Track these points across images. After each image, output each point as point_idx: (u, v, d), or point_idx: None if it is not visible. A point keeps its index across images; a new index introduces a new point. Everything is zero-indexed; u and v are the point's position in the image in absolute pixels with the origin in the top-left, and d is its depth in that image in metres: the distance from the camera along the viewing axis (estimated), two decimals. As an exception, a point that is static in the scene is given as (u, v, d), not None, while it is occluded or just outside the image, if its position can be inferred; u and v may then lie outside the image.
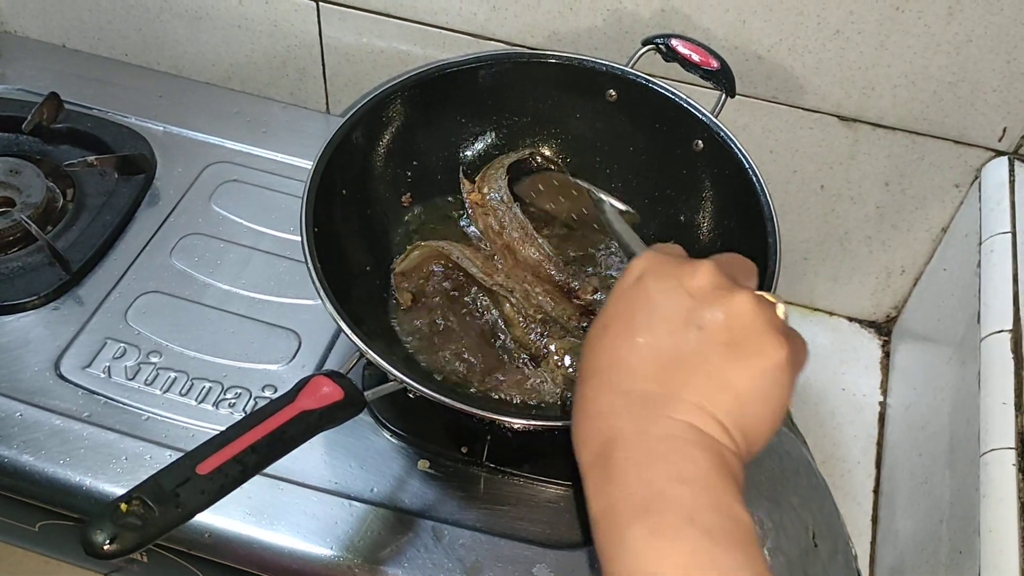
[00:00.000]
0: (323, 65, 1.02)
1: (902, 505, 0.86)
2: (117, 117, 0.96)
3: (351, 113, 0.75)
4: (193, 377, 0.77)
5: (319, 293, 0.64)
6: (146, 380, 0.76)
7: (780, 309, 0.47)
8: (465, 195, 0.82)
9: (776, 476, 0.77)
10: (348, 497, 0.71)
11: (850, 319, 1.08)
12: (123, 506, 0.50)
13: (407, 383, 0.61)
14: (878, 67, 0.84)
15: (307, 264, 0.66)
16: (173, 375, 0.77)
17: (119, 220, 0.86)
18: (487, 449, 0.73)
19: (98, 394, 0.75)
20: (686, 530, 0.40)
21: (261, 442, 0.55)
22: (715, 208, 0.79)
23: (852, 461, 0.96)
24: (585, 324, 0.76)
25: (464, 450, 0.74)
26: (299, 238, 0.68)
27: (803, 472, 0.81)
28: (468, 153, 0.84)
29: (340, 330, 0.63)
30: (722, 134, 0.76)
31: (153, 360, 0.78)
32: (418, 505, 0.71)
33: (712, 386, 0.44)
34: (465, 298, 0.78)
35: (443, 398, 0.61)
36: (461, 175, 0.83)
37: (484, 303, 0.77)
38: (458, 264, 0.77)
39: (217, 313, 0.81)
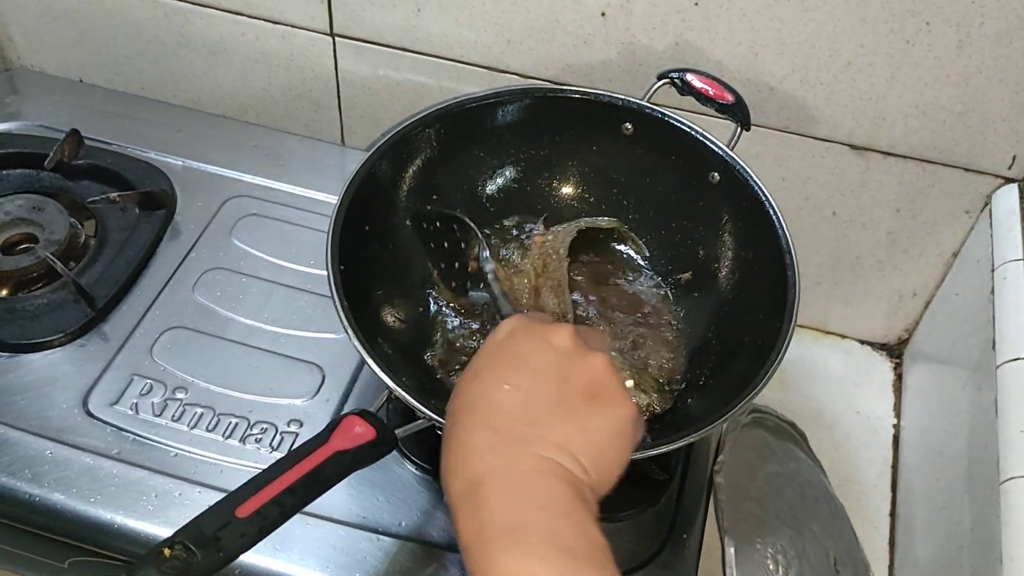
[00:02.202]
0: (339, 98, 1.03)
1: (921, 530, 0.86)
2: (136, 152, 0.97)
3: (374, 149, 0.76)
4: (219, 413, 0.78)
5: (348, 333, 0.65)
6: (173, 416, 0.77)
7: (628, 382, 0.56)
8: (535, 233, 0.84)
9: (797, 504, 0.78)
10: (375, 531, 0.72)
11: (862, 342, 1.10)
12: (166, 551, 0.51)
13: (437, 420, 0.62)
14: (889, 98, 0.85)
15: (335, 303, 0.67)
16: (200, 411, 0.78)
17: (142, 256, 0.87)
18: (512, 482, 0.74)
19: (126, 431, 0.76)
20: (551, 552, 0.45)
21: (298, 484, 0.56)
22: (733, 240, 0.80)
23: (868, 485, 0.97)
24: None
25: (489, 482, 0.75)
26: (320, 272, 0.69)
27: (822, 499, 0.82)
28: (488, 188, 0.85)
29: (364, 363, 0.64)
30: (738, 167, 0.77)
31: (179, 396, 0.78)
32: (446, 538, 0.72)
33: (574, 429, 0.50)
34: (476, 323, 0.79)
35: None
36: (542, 221, 0.85)
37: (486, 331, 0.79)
38: None
39: (241, 348, 0.82)
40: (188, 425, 0.77)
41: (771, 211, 0.75)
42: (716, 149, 0.79)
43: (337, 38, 0.97)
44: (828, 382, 1.05)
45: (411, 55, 0.96)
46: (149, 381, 0.79)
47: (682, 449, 0.78)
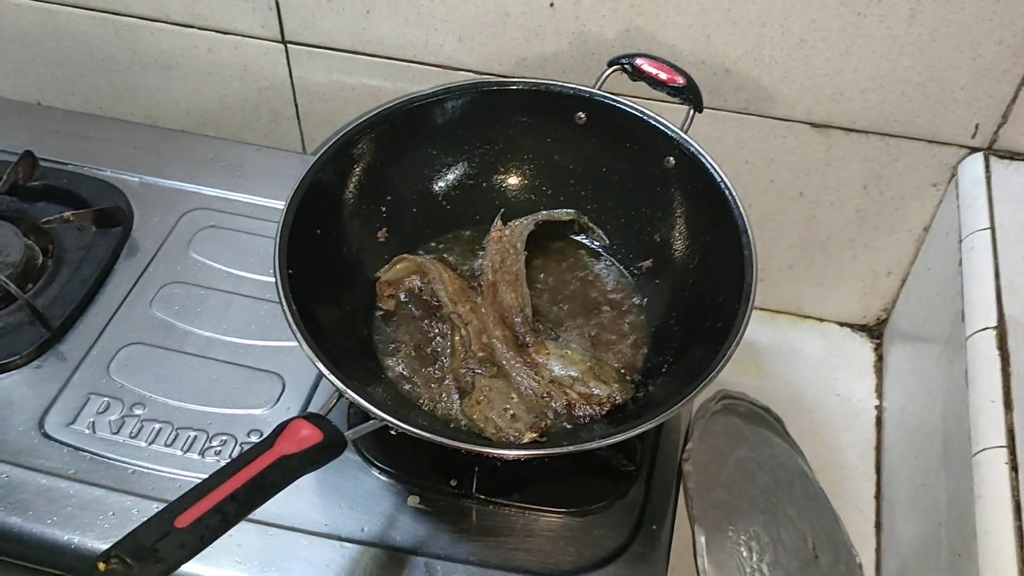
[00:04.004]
0: (295, 105, 1.02)
1: (902, 510, 0.85)
2: (92, 171, 0.96)
3: (319, 154, 0.75)
4: (178, 427, 0.76)
5: (295, 335, 0.64)
6: (131, 433, 0.76)
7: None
8: (493, 229, 0.82)
9: (770, 489, 0.77)
10: (339, 539, 0.71)
11: (840, 324, 1.08)
12: (101, 565, 0.49)
13: (388, 420, 0.61)
14: (845, 72, 0.84)
15: (282, 307, 0.66)
16: (158, 426, 0.76)
17: (98, 274, 0.86)
18: (476, 480, 0.73)
19: (83, 450, 0.74)
20: None
21: (240, 490, 0.54)
22: (690, 224, 0.78)
23: (851, 468, 0.95)
24: (531, 378, 0.74)
25: (453, 483, 0.73)
26: (278, 280, 0.68)
27: (798, 483, 0.81)
28: (441, 184, 0.84)
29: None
30: (692, 150, 0.76)
31: (137, 412, 0.77)
32: (410, 542, 0.71)
33: None
34: (436, 319, 0.78)
35: (425, 434, 0.61)
36: (499, 216, 0.83)
37: (446, 328, 0.77)
38: (431, 283, 0.78)
39: (200, 360, 0.81)
40: (146, 441, 0.75)
41: (726, 191, 0.73)
42: (669, 133, 0.78)
43: (289, 45, 0.96)
44: (806, 366, 1.03)
45: (364, 58, 0.95)
46: (106, 399, 0.78)
47: (649, 439, 0.76)
